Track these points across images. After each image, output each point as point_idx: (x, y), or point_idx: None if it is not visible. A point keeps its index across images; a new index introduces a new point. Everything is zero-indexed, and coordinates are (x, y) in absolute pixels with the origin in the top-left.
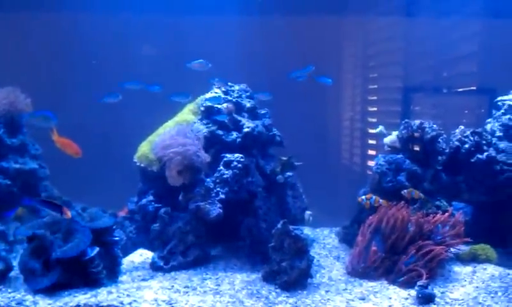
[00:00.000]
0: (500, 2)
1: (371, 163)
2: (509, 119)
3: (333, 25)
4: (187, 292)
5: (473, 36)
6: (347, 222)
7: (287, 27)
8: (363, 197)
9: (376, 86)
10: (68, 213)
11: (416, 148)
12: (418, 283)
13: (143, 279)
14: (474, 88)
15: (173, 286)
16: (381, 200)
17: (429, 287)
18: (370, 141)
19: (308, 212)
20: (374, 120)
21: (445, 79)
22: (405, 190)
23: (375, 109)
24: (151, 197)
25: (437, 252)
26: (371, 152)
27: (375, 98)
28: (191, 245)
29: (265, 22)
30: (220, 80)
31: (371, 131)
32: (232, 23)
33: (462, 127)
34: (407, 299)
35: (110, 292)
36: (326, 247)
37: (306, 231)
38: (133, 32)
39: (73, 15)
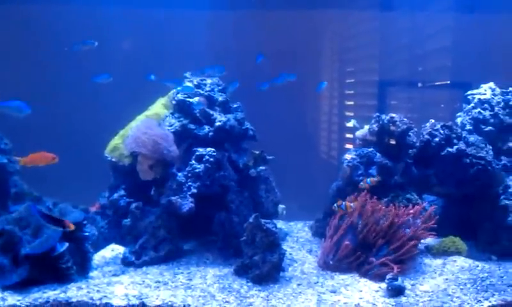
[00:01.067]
0: None
1: (348, 157)
2: (479, 112)
3: (309, 20)
4: (158, 287)
5: (447, 30)
6: (321, 215)
7: (263, 22)
8: (335, 205)
9: (352, 80)
10: (71, 226)
11: (387, 142)
12: (388, 276)
13: (114, 275)
14: (448, 82)
15: (144, 281)
16: (352, 204)
17: (399, 279)
18: (347, 135)
19: (281, 206)
20: (351, 114)
21: (420, 73)
22: (361, 183)
23: (352, 102)
24: (122, 192)
25: (408, 247)
26: (349, 146)
27: (352, 92)
28: (163, 240)
29: (240, 16)
30: (200, 71)
31: (348, 124)
32: (206, 17)
33: (432, 121)
34: (377, 291)
35: (80, 288)
36: (299, 240)
37: (280, 224)
38: (106, 25)
39: (43, 7)
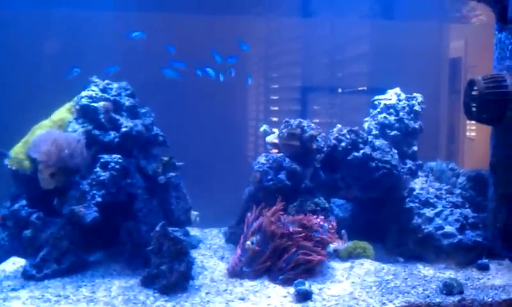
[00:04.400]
0: (390, 4)
1: (262, 161)
2: (385, 117)
3: (231, 25)
4: (58, 301)
5: (365, 36)
6: (234, 221)
7: (186, 26)
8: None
9: (277, 86)
10: None
11: (296, 146)
12: (296, 281)
13: (13, 289)
14: (365, 88)
15: (43, 295)
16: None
17: (307, 284)
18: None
19: (194, 213)
20: (276, 119)
21: (341, 79)
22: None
23: (276, 108)
24: (24, 202)
25: (314, 256)
26: (275, 151)
27: (275, 97)
28: (66, 251)
29: (164, 19)
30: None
31: (260, 130)
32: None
33: (339, 126)
34: (285, 296)
35: None
36: (212, 247)
37: (195, 232)
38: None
39: None
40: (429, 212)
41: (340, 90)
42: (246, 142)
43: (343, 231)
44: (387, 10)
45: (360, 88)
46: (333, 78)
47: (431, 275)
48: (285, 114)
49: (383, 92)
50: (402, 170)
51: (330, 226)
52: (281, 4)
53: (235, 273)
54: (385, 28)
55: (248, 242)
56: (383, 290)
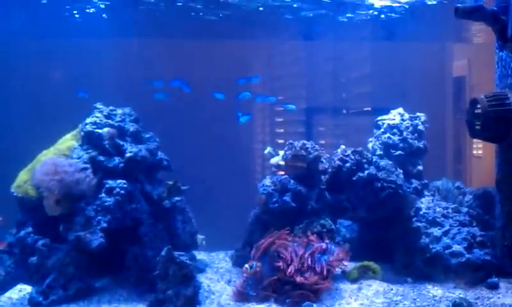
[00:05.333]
0: (390, 26)
1: (267, 183)
2: (389, 137)
3: (237, 49)
4: None
5: (367, 58)
6: (240, 244)
7: (194, 51)
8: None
9: (282, 108)
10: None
11: (301, 168)
12: (303, 304)
13: None
14: (369, 109)
15: None
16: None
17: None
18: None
19: (200, 236)
20: (281, 141)
21: (344, 100)
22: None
23: (282, 130)
24: (30, 229)
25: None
26: (281, 172)
27: (281, 119)
28: (72, 277)
29: (167, 45)
30: None
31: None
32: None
33: (343, 146)
34: None
35: None
36: (218, 271)
37: (201, 255)
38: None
39: None
40: (436, 231)
41: (344, 111)
42: (252, 165)
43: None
44: (389, 32)
45: (364, 109)
46: (338, 100)
47: (440, 295)
48: (291, 136)
49: (387, 112)
50: (407, 189)
51: (339, 251)
52: (285, 28)
53: (242, 297)
54: (388, 49)
55: (246, 266)
56: None
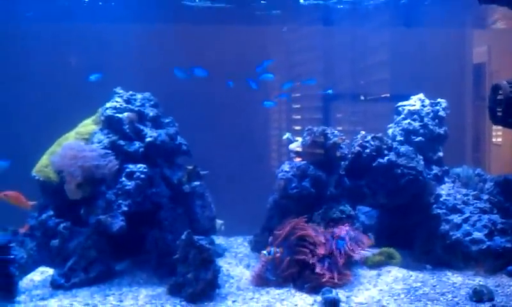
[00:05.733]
0: (410, 12)
1: (286, 169)
2: (409, 123)
3: (255, 36)
4: None
5: (386, 44)
6: (259, 230)
7: (213, 36)
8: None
9: (299, 94)
10: None
11: (320, 154)
12: (323, 289)
13: (42, 298)
14: (388, 95)
15: (72, 304)
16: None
17: (334, 292)
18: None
19: (219, 221)
20: (298, 127)
21: (362, 86)
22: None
23: (299, 116)
24: (51, 212)
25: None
26: (298, 159)
27: (299, 106)
28: (93, 260)
29: (192, 30)
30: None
31: (283, 138)
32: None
33: (363, 132)
34: (313, 305)
35: None
36: (237, 255)
37: (220, 240)
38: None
39: None
40: (456, 218)
41: (362, 97)
42: (270, 151)
43: (369, 234)
44: (408, 18)
45: (382, 95)
46: (356, 86)
47: (459, 282)
48: (308, 122)
49: (406, 99)
50: (428, 176)
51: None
52: (303, 14)
53: (261, 281)
54: (407, 35)
55: (264, 252)
56: (412, 298)
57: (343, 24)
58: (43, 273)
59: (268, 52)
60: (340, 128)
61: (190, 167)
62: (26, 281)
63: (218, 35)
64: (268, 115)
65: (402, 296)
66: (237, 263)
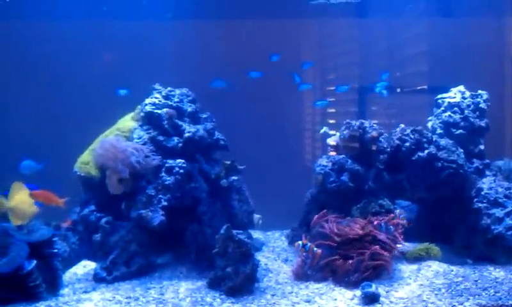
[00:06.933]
0: (448, 1)
1: (324, 163)
2: (449, 116)
3: (289, 29)
4: (129, 303)
5: (423, 35)
6: (296, 224)
7: (246, 30)
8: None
9: (333, 88)
10: None
11: (358, 148)
12: (362, 283)
13: (85, 292)
14: (426, 87)
15: (114, 297)
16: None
17: (374, 287)
18: (330, 142)
19: (256, 216)
20: (333, 121)
21: (399, 78)
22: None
23: (333, 110)
24: (93, 207)
25: (381, 255)
26: (333, 153)
27: (333, 99)
28: (135, 254)
29: (224, 25)
30: None
31: (320, 131)
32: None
33: (402, 125)
34: (352, 299)
35: (49, 306)
36: (275, 250)
37: (257, 234)
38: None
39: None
40: (498, 212)
41: (398, 90)
42: (306, 145)
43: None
44: (446, 8)
45: (419, 87)
46: (391, 78)
47: (502, 277)
48: (342, 115)
49: (443, 91)
50: (469, 169)
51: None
52: (337, 6)
53: (300, 275)
54: (444, 26)
55: (299, 242)
56: (453, 293)
57: (377, 15)
58: (85, 267)
59: (303, 46)
60: (375, 121)
61: (228, 162)
62: (69, 275)
63: (253, 29)
64: (303, 109)
65: (443, 291)
66: (275, 257)
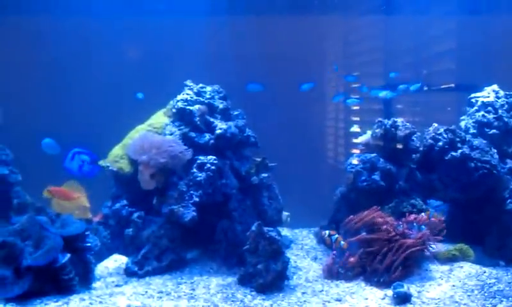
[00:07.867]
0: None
1: (355, 162)
2: (483, 116)
3: (314, 26)
4: (161, 297)
5: (451, 32)
6: (325, 222)
7: (270, 27)
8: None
9: (358, 85)
10: None
11: (390, 147)
12: (394, 283)
13: (117, 285)
14: (453, 85)
15: (146, 291)
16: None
17: (405, 287)
18: (354, 140)
19: (285, 213)
20: (357, 119)
21: (426, 77)
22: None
23: (357, 107)
24: (124, 202)
25: (412, 252)
26: (355, 151)
27: (358, 96)
28: (166, 249)
29: (247, 22)
30: None
31: (351, 130)
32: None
33: (435, 125)
34: (383, 298)
35: (82, 299)
36: (304, 248)
37: (285, 232)
38: (108, 35)
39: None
40: None
41: (426, 88)
42: (335, 144)
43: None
44: (474, 5)
45: (446, 86)
46: (418, 76)
47: None
48: (367, 113)
49: (472, 89)
50: (502, 170)
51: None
52: (364, 3)
53: (331, 274)
54: (473, 23)
55: (326, 231)
56: (486, 294)
57: (404, 12)
58: (116, 261)
59: (328, 42)
60: (401, 119)
61: (258, 159)
62: (101, 268)
63: (277, 25)
64: (330, 107)
65: (476, 292)
66: (304, 255)
